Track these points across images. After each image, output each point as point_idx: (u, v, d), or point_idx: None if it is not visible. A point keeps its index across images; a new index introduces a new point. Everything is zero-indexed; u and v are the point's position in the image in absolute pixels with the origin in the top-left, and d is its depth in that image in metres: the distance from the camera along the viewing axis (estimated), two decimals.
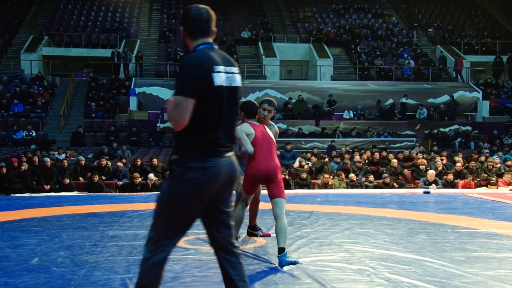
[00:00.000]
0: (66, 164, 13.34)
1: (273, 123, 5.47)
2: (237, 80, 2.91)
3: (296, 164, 13.89)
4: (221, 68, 2.80)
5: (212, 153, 2.79)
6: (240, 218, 5.11)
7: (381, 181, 13.04)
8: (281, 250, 4.51)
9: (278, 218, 4.68)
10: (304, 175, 12.88)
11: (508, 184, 12.48)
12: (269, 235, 5.90)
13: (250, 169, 4.96)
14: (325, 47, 26.55)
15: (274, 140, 5.16)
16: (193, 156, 2.78)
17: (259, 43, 26.70)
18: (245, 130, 4.96)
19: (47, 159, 13.10)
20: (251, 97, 22.19)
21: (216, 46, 2.94)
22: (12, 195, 11.05)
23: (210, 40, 2.93)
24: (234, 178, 2.93)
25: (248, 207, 5.35)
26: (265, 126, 5.21)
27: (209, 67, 2.75)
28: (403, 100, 22.34)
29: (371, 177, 13.07)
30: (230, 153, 2.89)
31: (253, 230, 5.90)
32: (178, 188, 2.78)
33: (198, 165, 2.76)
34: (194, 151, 2.78)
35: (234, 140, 2.95)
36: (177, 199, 2.79)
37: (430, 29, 29.59)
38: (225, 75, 2.81)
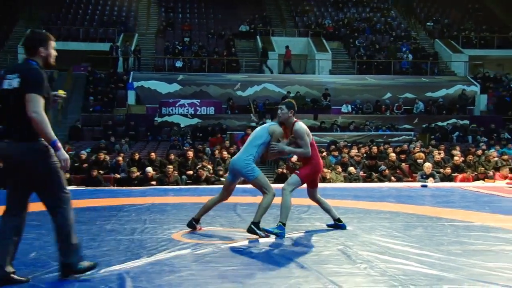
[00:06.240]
0: None
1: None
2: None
3: (294, 158, 13.88)
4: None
5: None
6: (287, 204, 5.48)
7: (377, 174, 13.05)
8: (339, 220, 5.89)
9: (322, 200, 5.90)
10: None
11: (505, 178, 12.51)
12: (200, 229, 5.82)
13: (316, 167, 5.64)
14: (324, 41, 26.52)
15: None
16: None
17: (258, 37, 26.64)
18: (307, 131, 5.59)
19: None
20: (249, 91, 22.22)
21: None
22: None
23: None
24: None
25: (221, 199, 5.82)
26: None
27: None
28: None
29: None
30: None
31: (197, 223, 5.80)
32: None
33: None
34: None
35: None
36: None
37: (428, 23, 29.54)
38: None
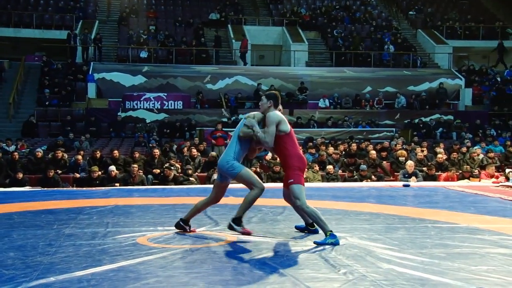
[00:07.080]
0: (17, 156, 13.11)
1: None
2: None
3: (269, 156, 13.93)
4: None
5: None
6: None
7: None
8: (312, 225, 5.67)
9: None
10: (277, 168, 12.93)
11: (491, 177, 12.76)
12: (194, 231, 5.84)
13: (299, 162, 5.48)
14: (300, 30, 26.62)
15: None
16: None
17: (229, 25, 26.59)
18: (281, 119, 5.40)
19: None
20: (220, 84, 22.16)
21: None
22: None
23: None
24: None
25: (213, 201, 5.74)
26: None
27: None
28: None
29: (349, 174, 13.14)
30: None
31: (186, 225, 5.80)
32: None
33: None
34: None
35: None
36: None
37: (411, 12, 29.90)
38: None
